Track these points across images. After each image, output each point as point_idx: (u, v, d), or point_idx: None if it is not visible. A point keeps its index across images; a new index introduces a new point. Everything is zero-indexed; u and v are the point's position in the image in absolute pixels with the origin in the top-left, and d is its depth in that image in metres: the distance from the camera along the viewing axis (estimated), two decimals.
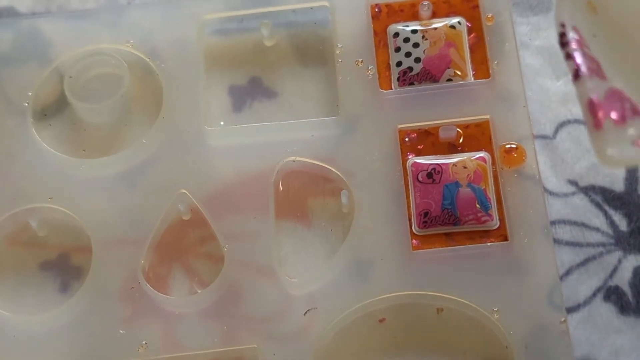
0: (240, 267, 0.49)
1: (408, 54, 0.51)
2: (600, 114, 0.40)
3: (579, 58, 0.41)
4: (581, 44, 0.41)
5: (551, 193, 0.53)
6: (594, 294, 0.51)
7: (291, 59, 0.53)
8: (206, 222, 0.49)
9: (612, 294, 0.51)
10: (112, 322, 0.48)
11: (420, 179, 0.49)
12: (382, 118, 0.51)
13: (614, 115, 0.40)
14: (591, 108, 0.41)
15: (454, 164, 0.49)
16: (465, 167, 0.49)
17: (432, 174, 0.49)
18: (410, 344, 0.48)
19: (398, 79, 0.51)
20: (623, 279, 0.51)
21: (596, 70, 0.41)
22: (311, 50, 0.53)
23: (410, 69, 0.51)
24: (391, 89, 0.51)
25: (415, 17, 0.53)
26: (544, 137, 0.54)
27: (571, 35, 0.42)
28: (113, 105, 0.52)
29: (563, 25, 0.42)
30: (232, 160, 0.51)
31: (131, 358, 0.47)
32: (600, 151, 0.41)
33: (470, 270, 0.48)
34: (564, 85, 0.55)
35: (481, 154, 0.49)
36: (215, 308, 0.48)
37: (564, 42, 0.42)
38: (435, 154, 0.50)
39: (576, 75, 0.41)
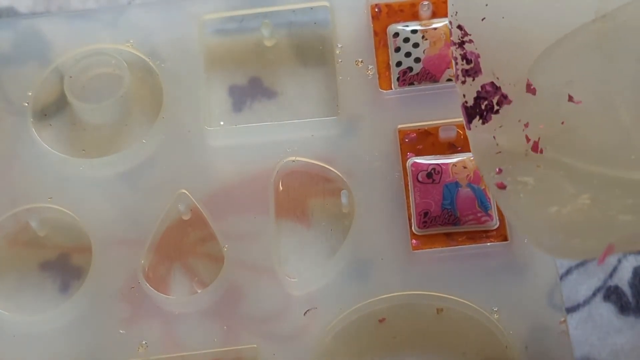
0: (240, 267, 0.49)
1: (408, 54, 0.51)
2: (469, 118, 0.44)
3: (458, 63, 0.44)
4: (462, 43, 0.43)
5: None
6: (594, 294, 0.51)
7: (291, 59, 0.53)
8: (206, 222, 0.49)
9: (611, 294, 0.51)
10: (112, 322, 0.48)
11: (420, 179, 0.49)
12: (382, 118, 0.51)
13: (480, 119, 0.43)
14: (463, 113, 0.44)
15: (454, 164, 0.49)
16: (465, 167, 0.49)
17: (432, 174, 0.49)
18: (410, 344, 0.48)
19: (398, 79, 0.51)
20: (623, 278, 0.51)
21: (473, 69, 0.44)
22: (311, 50, 0.53)
23: (410, 69, 0.51)
24: (391, 89, 0.51)
25: (415, 17, 0.53)
26: None
27: (455, 35, 0.44)
28: (113, 105, 0.52)
29: (451, 23, 0.44)
30: (232, 160, 0.51)
31: (131, 358, 0.47)
32: (475, 150, 0.44)
33: (470, 270, 0.48)
34: None
35: None
36: (215, 308, 0.48)
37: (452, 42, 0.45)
38: (435, 154, 0.50)
39: (456, 78, 0.45)
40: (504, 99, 0.42)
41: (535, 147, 0.42)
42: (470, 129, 0.43)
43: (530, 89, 0.42)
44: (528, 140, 0.42)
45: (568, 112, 0.42)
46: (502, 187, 0.42)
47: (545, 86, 0.42)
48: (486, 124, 0.43)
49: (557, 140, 0.42)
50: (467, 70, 0.44)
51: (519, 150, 0.42)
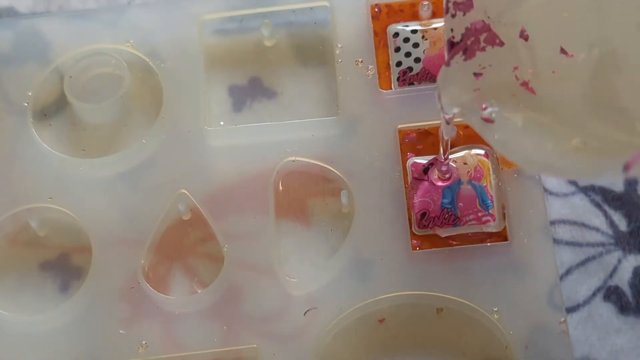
0: (240, 267, 0.49)
1: (408, 54, 0.52)
2: (452, 53, 0.42)
3: None
4: None
5: (551, 193, 0.53)
6: (594, 294, 0.51)
7: (291, 59, 0.53)
8: (206, 222, 0.49)
9: (611, 294, 0.51)
10: (112, 322, 0.48)
11: (416, 175, 0.49)
12: (382, 118, 0.51)
13: (463, 55, 0.41)
14: (448, 48, 0.42)
15: (454, 160, 0.49)
16: (465, 164, 0.49)
17: (429, 169, 0.49)
18: (410, 344, 0.48)
19: (398, 79, 0.51)
20: (623, 279, 0.51)
21: (464, 2, 0.42)
22: (311, 50, 0.53)
23: (410, 69, 0.51)
24: (391, 89, 0.51)
25: (415, 17, 0.53)
26: None
27: None
28: (113, 105, 0.52)
29: None
30: (232, 160, 0.51)
31: (131, 358, 0.47)
32: (444, 92, 0.42)
33: (470, 270, 0.48)
34: None
35: (481, 150, 0.49)
36: (215, 308, 0.48)
37: None
38: (435, 154, 0.50)
39: (445, 11, 0.43)
40: (494, 40, 0.41)
41: (525, 85, 0.41)
42: (449, 64, 0.42)
43: (523, 35, 0.41)
44: (517, 79, 0.41)
45: (555, 64, 0.41)
46: (489, 121, 0.41)
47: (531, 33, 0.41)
48: (468, 61, 0.41)
49: (544, 90, 0.41)
50: (458, 3, 0.42)
51: (505, 92, 0.41)
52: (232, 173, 0.51)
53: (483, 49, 0.41)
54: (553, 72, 0.41)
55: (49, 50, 0.54)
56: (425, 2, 0.52)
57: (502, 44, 0.41)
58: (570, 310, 0.50)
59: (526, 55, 0.41)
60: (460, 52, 0.41)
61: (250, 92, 0.53)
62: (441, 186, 0.48)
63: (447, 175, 0.48)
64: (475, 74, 0.41)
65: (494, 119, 0.40)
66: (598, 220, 0.52)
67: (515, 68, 0.41)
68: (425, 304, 0.48)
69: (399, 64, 0.51)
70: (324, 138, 0.51)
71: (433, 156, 0.50)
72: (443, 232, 0.48)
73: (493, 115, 0.40)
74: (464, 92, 0.41)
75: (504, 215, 0.48)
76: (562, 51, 0.41)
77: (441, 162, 0.48)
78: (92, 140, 0.52)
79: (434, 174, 0.49)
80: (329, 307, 0.48)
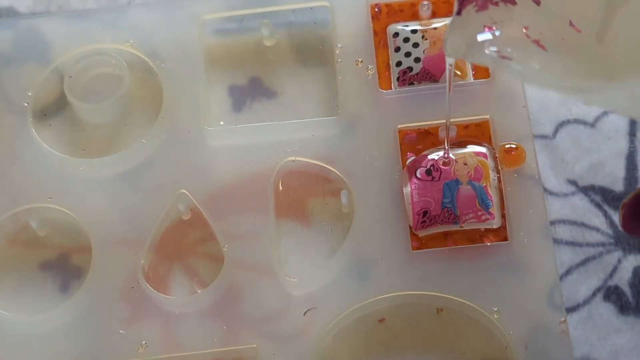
0: (240, 267, 0.49)
1: (408, 54, 0.51)
2: (465, 3, 0.42)
3: None
4: None
5: (551, 193, 0.53)
6: (594, 294, 0.51)
7: (291, 59, 0.53)
8: (206, 222, 0.49)
9: (611, 294, 0.51)
10: (112, 322, 0.48)
11: (419, 175, 0.49)
12: (381, 118, 0.51)
13: (475, 6, 0.41)
14: None
15: (455, 160, 0.49)
16: (465, 164, 0.49)
17: (431, 170, 0.49)
18: (410, 344, 0.48)
19: (398, 79, 0.51)
20: (623, 278, 0.51)
21: None
22: (311, 50, 0.53)
23: (410, 68, 0.51)
24: (391, 89, 0.51)
25: (415, 17, 0.53)
26: (543, 137, 0.54)
27: None
28: (113, 105, 0.52)
29: None
30: (232, 160, 0.51)
31: (131, 358, 0.47)
32: (452, 37, 0.42)
33: (470, 270, 0.48)
34: None
35: (482, 149, 0.49)
36: (215, 308, 0.48)
37: None
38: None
39: None
40: None
41: (535, 42, 0.41)
42: (461, 14, 0.42)
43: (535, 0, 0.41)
44: (528, 37, 0.41)
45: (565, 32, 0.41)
46: (506, 58, 0.41)
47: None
48: (480, 13, 0.41)
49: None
50: None
51: (517, 44, 0.41)
52: (232, 173, 0.51)
53: (496, 3, 0.41)
54: (562, 39, 0.41)
55: (49, 50, 0.54)
56: (425, 2, 0.52)
57: (514, 3, 0.41)
58: (570, 310, 0.50)
59: (537, 20, 0.41)
60: (474, 3, 0.41)
61: (250, 92, 0.53)
62: (441, 170, 0.48)
63: (446, 159, 0.48)
64: (486, 27, 0.41)
65: (512, 57, 0.40)
66: (598, 220, 0.53)
67: (526, 28, 0.41)
68: (425, 304, 0.48)
69: (399, 64, 0.51)
70: (324, 138, 0.51)
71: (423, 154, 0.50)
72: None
73: (511, 53, 0.40)
74: (473, 36, 0.41)
75: (503, 215, 0.48)
76: (571, 24, 0.41)
77: (444, 152, 0.48)
78: (92, 140, 0.52)
79: (422, 172, 0.49)
80: (329, 307, 0.48)
